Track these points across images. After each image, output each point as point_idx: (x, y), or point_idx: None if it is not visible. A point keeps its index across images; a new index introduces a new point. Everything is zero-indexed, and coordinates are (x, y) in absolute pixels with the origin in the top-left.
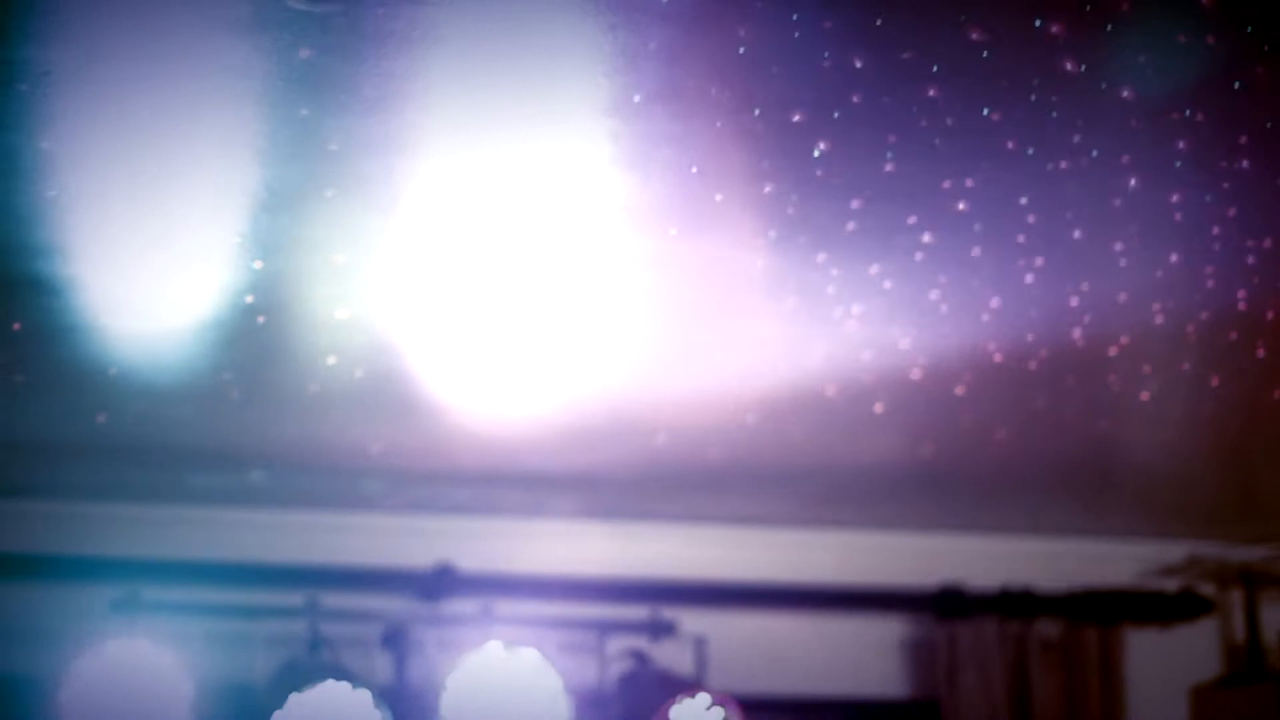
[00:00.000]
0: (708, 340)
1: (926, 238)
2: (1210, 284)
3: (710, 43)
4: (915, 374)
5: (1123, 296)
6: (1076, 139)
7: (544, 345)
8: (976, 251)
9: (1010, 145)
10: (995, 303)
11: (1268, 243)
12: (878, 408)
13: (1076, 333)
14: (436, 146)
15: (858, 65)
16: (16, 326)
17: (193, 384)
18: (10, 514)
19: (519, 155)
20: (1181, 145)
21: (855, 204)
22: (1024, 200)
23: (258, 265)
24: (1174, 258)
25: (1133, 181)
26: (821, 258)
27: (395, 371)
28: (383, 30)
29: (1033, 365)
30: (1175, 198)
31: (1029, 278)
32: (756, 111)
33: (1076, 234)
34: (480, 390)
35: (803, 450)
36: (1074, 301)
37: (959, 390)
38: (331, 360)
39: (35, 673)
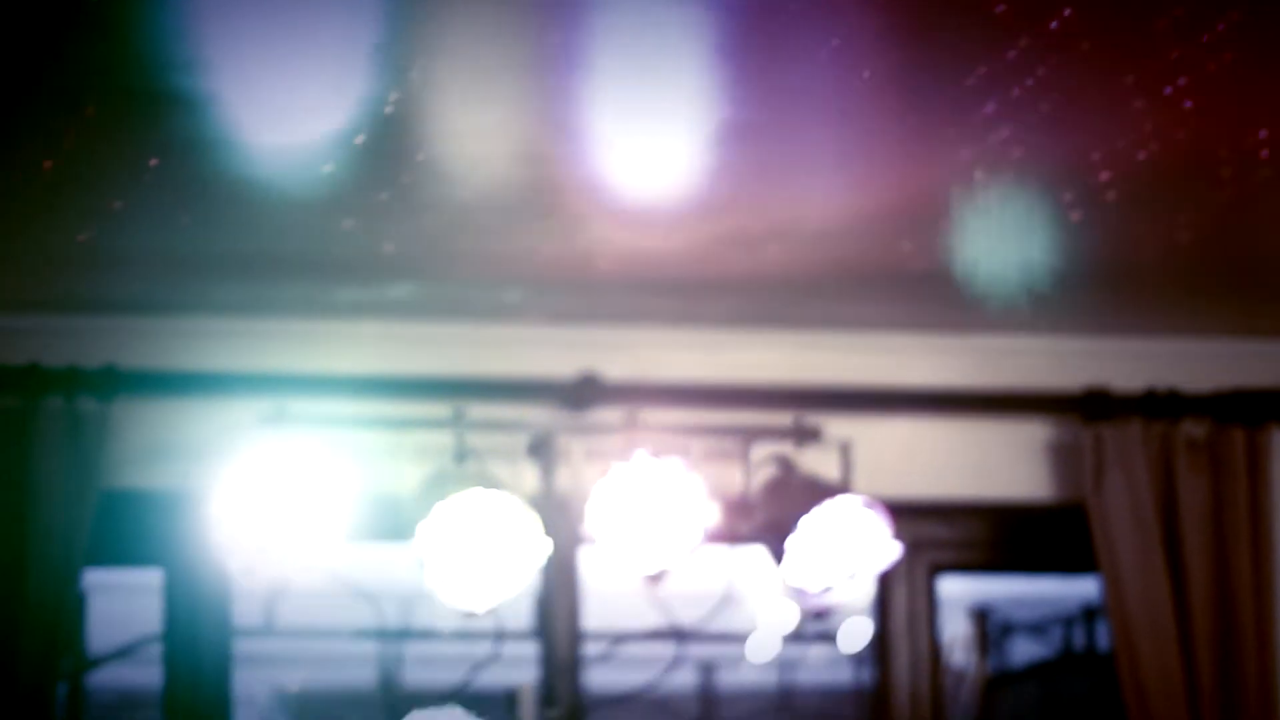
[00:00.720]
0: (864, 147)
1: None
2: None
3: None
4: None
5: None
6: None
7: (691, 149)
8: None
9: None
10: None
11: None
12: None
13: (1230, 130)
14: None
15: None
16: (154, 160)
17: (337, 197)
18: (158, 331)
19: None
20: None
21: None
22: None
23: (401, 74)
24: None
25: None
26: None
27: (542, 180)
28: None
29: (1190, 163)
30: None
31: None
32: None
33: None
34: (627, 198)
35: (954, 255)
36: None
37: (1111, 196)
38: (475, 169)
39: (184, 488)
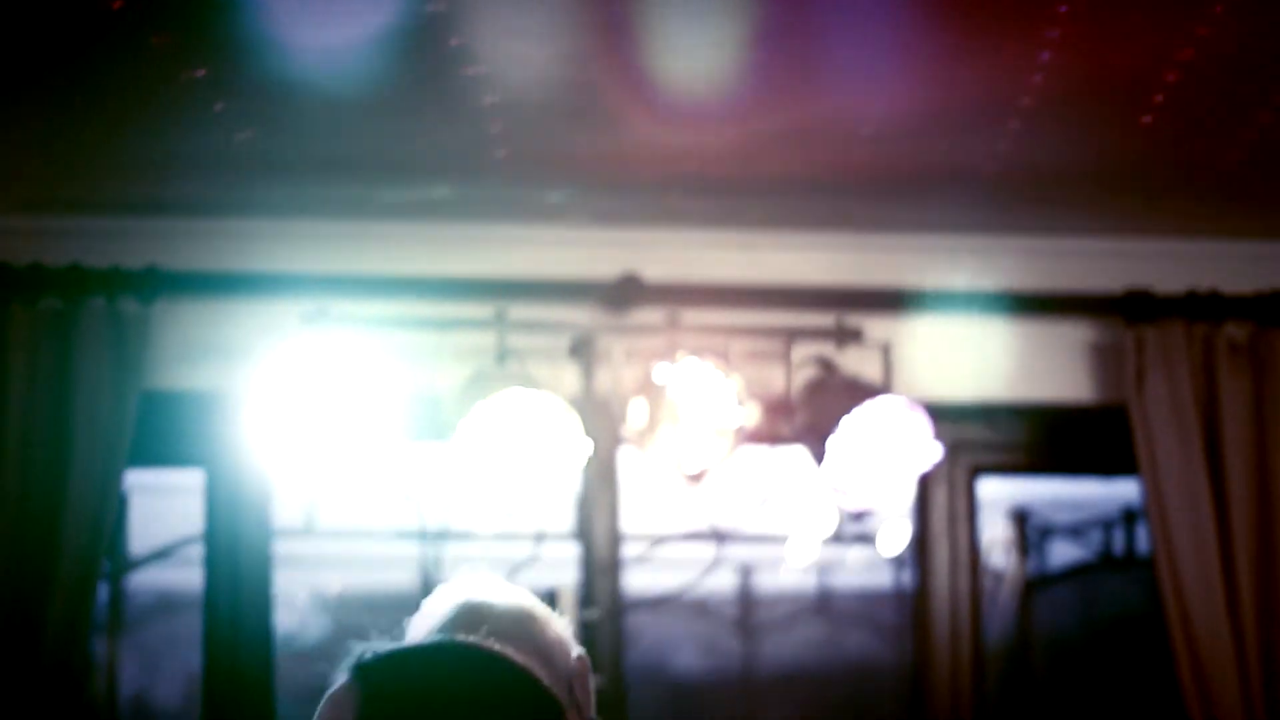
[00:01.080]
0: (911, 48)
1: None
2: None
3: None
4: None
5: None
6: None
7: (735, 47)
8: None
9: None
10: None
11: None
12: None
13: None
14: None
15: None
16: (201, 70)
17: (380, 98)
18: (200, 232)
19: None
20: None
21: None
22: None
23: None
24: None
25: None
26: None
27: (584, 79)
28: None
29: (1241, 60)
30: None
31: None
32: None
33: None
34: (671, 97)
35: (995, 156)
36: None
37: (1159, 98)
38: (518, 69)
39: (225, 389)
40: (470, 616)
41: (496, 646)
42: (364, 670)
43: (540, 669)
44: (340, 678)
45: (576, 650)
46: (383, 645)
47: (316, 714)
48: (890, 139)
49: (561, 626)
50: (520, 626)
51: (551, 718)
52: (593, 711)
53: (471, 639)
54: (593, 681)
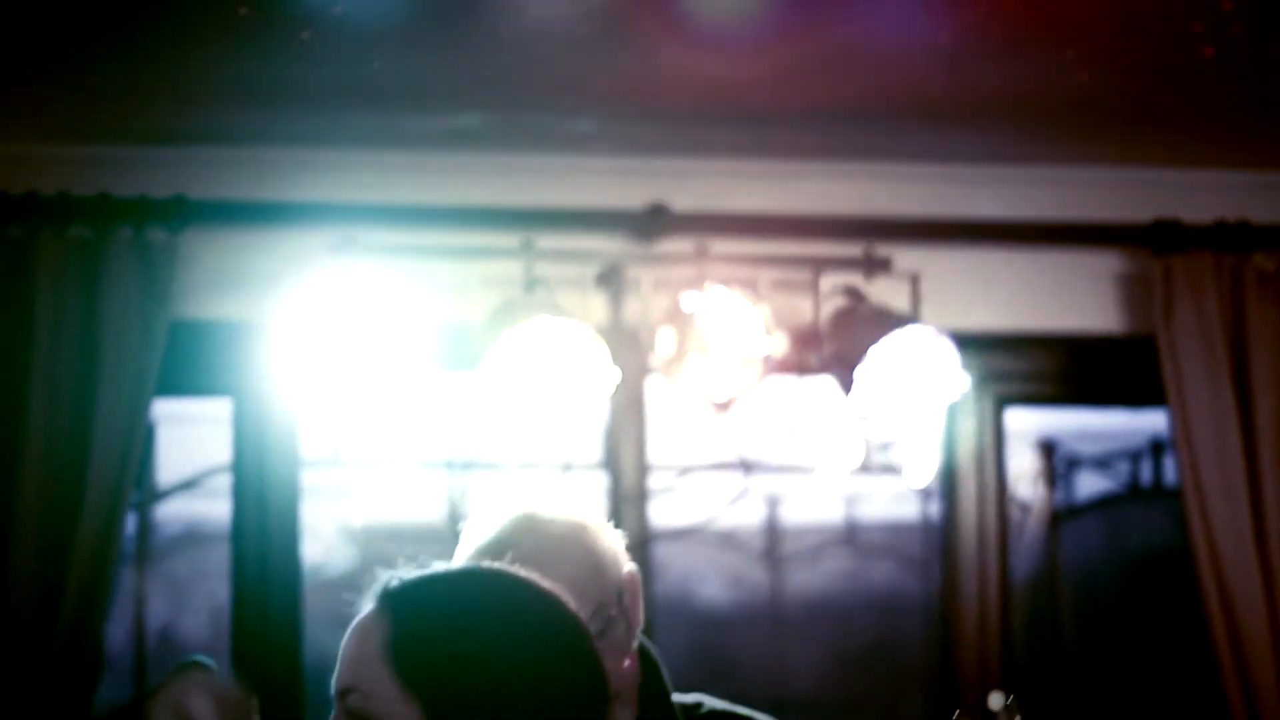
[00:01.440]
0: None
1: None
2: None
3: None
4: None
5: None
6: None
7: None
8: None
9: None
10: None
11: None
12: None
13: None
14: None
15: None
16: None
17: (407, 25)
18: (228, 161)
19: None
20: None
21: None
22: None
23: None
24: None
25: None
26: None
27: (611, 6)
28: None
29: None
30: None
31: None
32: None
33: None
34: (700, 22)
35: (1023, 83)
36: None
37: (1197, 27)
38: None
39: (253, 318)
40: (513, 533)
41: (523, 573)
42: (391, 598)
43: (568, 593)
44: (367, 606)
45: (629, 565)
46: (409, 573)
47: (344, 642)
48: (922, 68)
49: (615, 539)
50: (568, 540)
51: (577, 644)
52: (640, 624)
53: (497, 565)
54: (642, 596)
